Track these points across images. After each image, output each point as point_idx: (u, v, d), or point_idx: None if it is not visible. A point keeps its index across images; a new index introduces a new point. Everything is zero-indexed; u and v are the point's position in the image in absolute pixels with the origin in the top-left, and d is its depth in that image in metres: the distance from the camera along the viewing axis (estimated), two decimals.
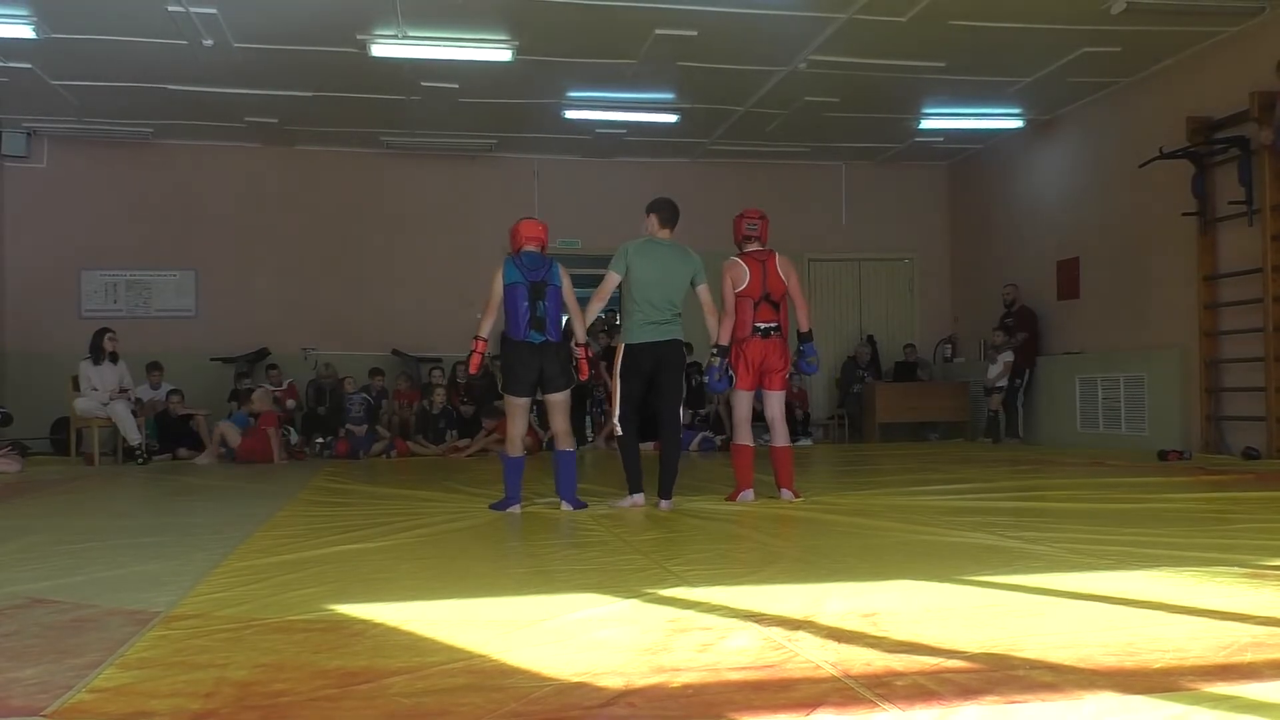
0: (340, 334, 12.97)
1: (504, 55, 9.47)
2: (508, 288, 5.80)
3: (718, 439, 11.91)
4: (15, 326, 12.26)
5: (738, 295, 6.05)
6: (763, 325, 6.04)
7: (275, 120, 11.72)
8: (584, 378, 6.22)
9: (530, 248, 5.93)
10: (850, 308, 14.40)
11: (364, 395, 11.66)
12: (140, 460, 10.41)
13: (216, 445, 10.74)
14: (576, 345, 6.12)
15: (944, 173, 14.56)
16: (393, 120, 11.87)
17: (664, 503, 5.92)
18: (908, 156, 13.94)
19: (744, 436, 6.21)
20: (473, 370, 6.16)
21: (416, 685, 2.31)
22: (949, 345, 14.19)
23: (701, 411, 12.47)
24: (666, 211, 6.09)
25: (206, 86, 10.41)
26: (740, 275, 6.05)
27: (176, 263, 12.83)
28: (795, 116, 11.72)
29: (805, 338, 6.27)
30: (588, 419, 12.13)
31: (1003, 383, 12.06)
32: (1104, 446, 10.65)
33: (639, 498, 5.96)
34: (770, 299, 6.05)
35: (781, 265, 6.10)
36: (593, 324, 6.28)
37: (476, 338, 5.98)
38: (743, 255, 6.13)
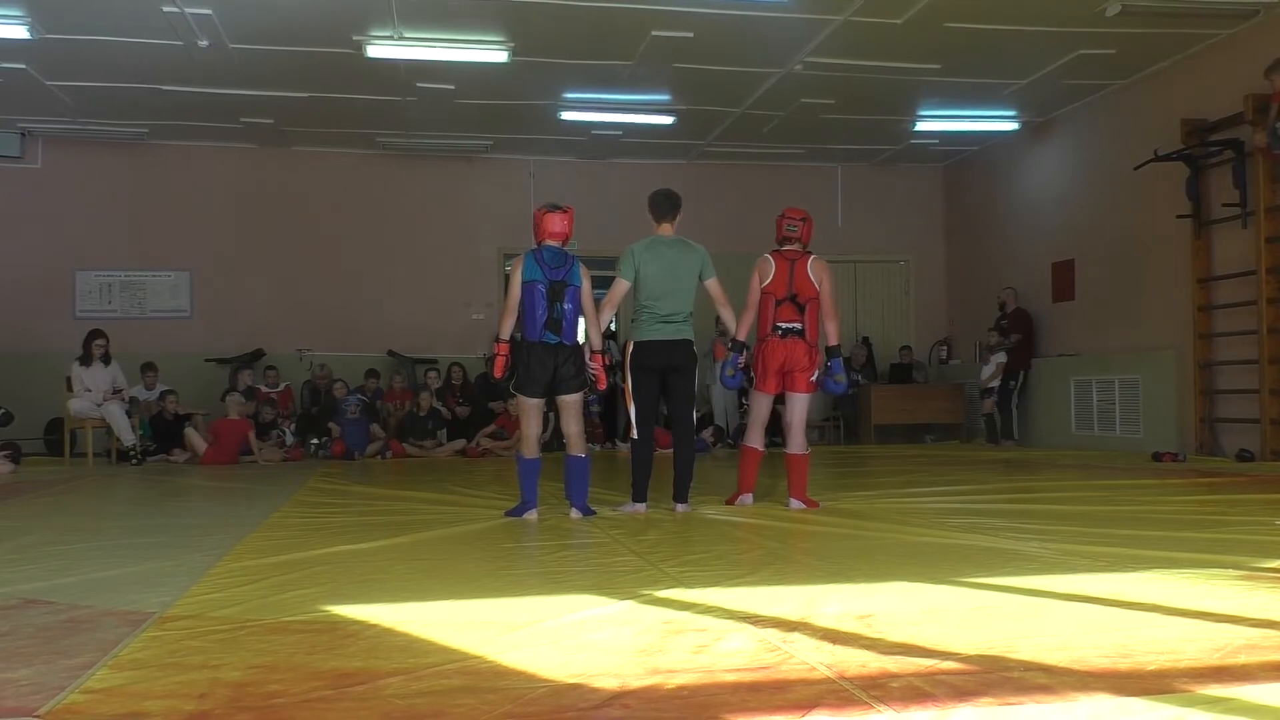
0: (335, 335, 12.94)
1: (500, 56, 9.46)
2: (526, 285, 5.51)
3: (710, 440, 11.86)
4: (9, 327, 12.19)
5: (762, 291, 5.89)
6: (783, 325, 5.83)
7: (271, 121, 11.70)
8: (602, 387, 5.91)
9: (552, 242, 5.65)
10: (846, 310, 14.31)
11: (359, 397, 11.64)
12: (135, 461, 10.39)
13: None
14: (592, 353, 5.77)
15: (939, 175, 14.57)
16: (388, 121, 11.85)
17: (680, 506, 5.82)
18: (903, 158, 13.96)
19: (754, 439, 6.07)
20: (498, 374, 5.78)
21: (411, 686, 2.31)
22: (944, 347, 14.21)
23: (699, 412, 12.43)
24: (664, 205, 5.89)
25: (202, 87, 10.39)
26: (767, 271, 5.90)
27: (171, 263, 12.80)
28: (791, 118, 11.73)
29: (833, 352, 6.00)
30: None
31: (995, 383, 12.08)
32: (1099, 448, 10.66)
33: (641, 507, 5.77)
34: (796, 300, 5.83)
35: (814, 268, 5.88)
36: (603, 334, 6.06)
37: (498, 340, 5.72)
38: (774, 252, 5.98)
